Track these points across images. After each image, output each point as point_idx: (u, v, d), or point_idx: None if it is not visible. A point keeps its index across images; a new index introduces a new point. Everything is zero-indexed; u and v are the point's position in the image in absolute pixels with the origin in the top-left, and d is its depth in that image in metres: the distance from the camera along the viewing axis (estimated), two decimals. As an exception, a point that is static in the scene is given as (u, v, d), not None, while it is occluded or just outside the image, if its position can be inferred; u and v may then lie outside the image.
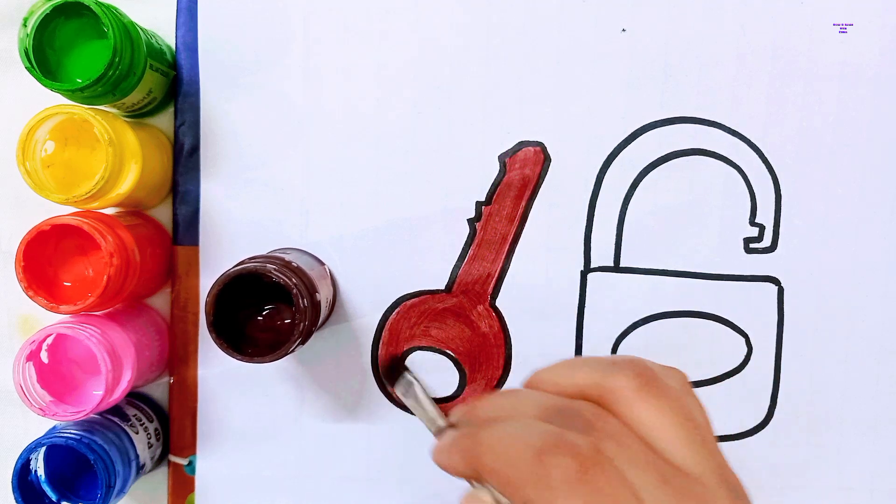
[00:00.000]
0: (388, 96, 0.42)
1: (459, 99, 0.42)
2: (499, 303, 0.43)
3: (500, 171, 0.43)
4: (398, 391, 0.40)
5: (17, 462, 0.38)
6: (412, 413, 0.38)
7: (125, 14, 0.38)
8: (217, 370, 0.44)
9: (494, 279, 0.43)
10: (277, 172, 0.43)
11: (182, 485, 0.44)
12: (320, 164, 0.43)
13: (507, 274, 0.43)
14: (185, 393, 0.44)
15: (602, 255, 0.43)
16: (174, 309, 0.44)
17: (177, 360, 0.44)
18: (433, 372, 0.44)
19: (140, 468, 0.41)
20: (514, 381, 0.43)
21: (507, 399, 0.27)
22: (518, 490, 0.23)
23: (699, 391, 0.43)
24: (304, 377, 0.44)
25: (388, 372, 0.42)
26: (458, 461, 0.26)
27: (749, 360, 0.43)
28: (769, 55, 0.42)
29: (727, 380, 0.43)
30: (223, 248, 0.43)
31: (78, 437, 0.38)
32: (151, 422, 0.43)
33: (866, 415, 0.44)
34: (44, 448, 0.39)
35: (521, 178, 0.43)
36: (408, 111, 0.42)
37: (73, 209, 0.40)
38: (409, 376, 0.41)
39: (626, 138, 0.42)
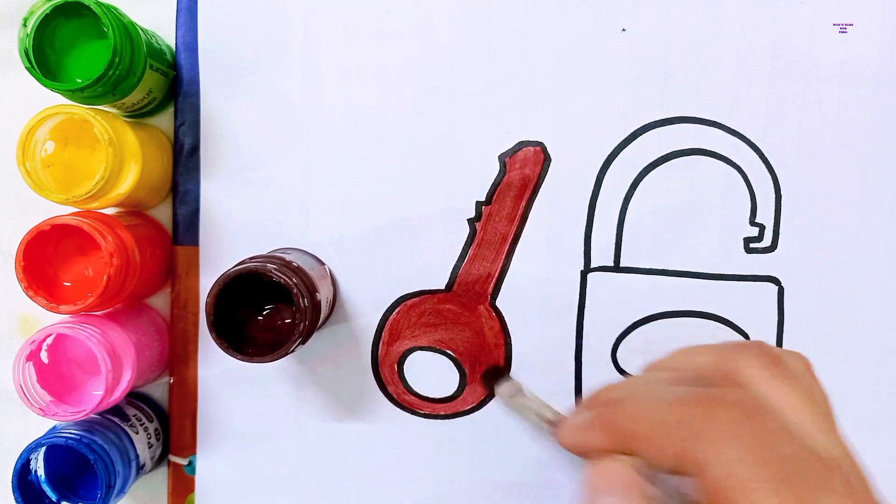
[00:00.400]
0: (388, 96, 0.42)
1: (459, 99, 0.42)
2: (499, 303, 0.43)
3: (500, 171, 0.43)
4: (501, 393, 0.41)
5: (17, 462, 0.38)
6: (515, 413, 0.39)
7: (125, 14, 0.38)
8: (217, 370, 0.44)
9: (494, 279, 0.43)
10: (277, 172, 0.43)
11: (182, 485, 0.44)
12: (320, 164, 0.43)
13: (507, 274, 0.43)
14: (185, 393, 0.44)
15: (602, 254, 0.43)
16: (174, 309, 0.44)
17: (177, 360, 0.44)
18: (433, 372, 0.44)
19: (140, 468, 0.41)
20: (514, 381, 0.43)
21: (632, 381, 0.27)
22: (669, 448, 0.22)
23: (699, 391, 0.43)
24: (304, 377, 0.44)
25: (489, 377, 0.43)
26: (599, 436, 0.25)
27: (749, 360, 0.43)
28: (769, 55, 0.42)
29: (727, 380, 0.43)
30: (223, 248, 0.43)
31: (78, 437, 0.38)
32: (151, 422, 0.43)
33: (866, 415, 0.44)
34: (44, 448, 0.39)
35: (521, 177, 0.43)
36: (408, 111, 0.42)
37: (73, 209, 0.40)
38: (512, 379, 0.41)
39: (626, 138, 0.42)
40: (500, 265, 0.43)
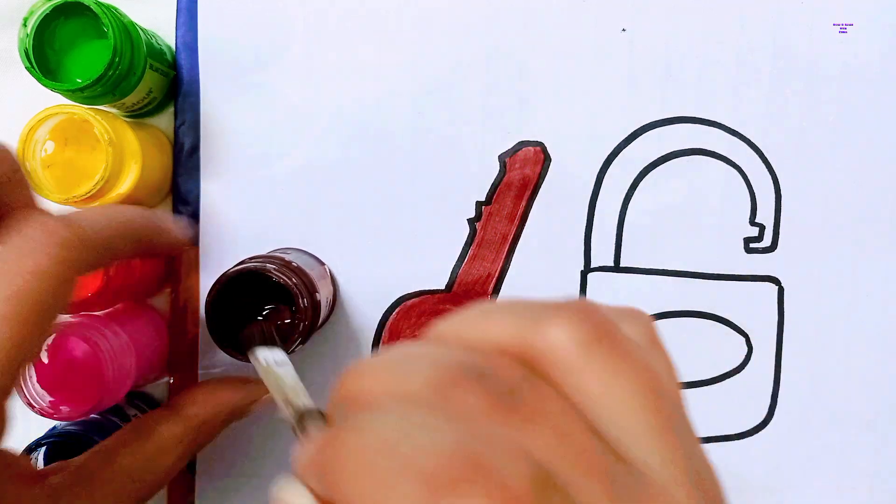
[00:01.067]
0: (388, 96, 0.42)
1: (459, 99, 0.42)
2: (499, 303, 0.43)
3: (500, 170, 0.43)
4: (260, 357, 0.32)
5: (16, 462, 0.38)
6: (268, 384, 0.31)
7: (125, 14, 0.38)
8: (217, 370, 0.44)
9: (494, 279, 0.43)
10: (277, 172, 0.43)
11: (182, 485, 0.44)
12: (320, 164, 0.43)
13: (507, 274, 0.43)
14: (185, 393, 0.44)
15: (602, 255, 0.43)
16: (174, 309, 0.44)
17: (177, 360, 0.44)
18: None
19: (140, 468, 0.41)
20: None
21: (393, 364, 0.17)
22: None
23: (699, 391, 0.43)
24: (303, 377, 0.44)
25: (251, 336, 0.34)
26: (312, 478, 0.17)
27: (749, 360, 0.43)
28: (769, 55, 0.42)
29: (727, 380, 0.43)
30: (223, 248, 0.43)
31: (78, 438, 0.38)
32: (151, 422, 0.43)
33: (866, 414, 0.44)
34: (44, 448, 0.39)
35: (521, 177, 0.43)
36: (408, 111, 0.42)
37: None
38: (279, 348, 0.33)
39: (626, 138, 0.42)
40: (500, 265, 0.43)
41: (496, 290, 0.43)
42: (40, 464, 0.39)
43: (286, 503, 0.17)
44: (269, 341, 0.33)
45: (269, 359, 0.31)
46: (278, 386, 0.28)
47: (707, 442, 0.44)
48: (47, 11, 0.36)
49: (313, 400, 0.43)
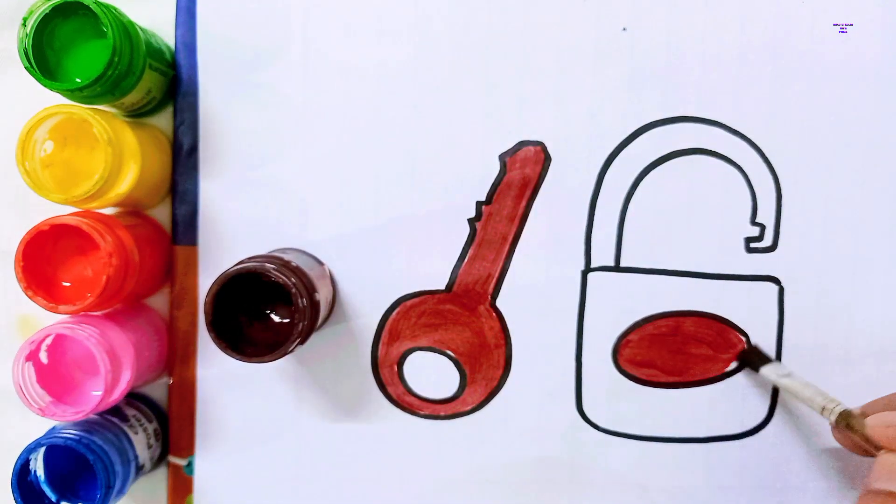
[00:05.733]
0: (388, 96, 0.42)
1: (459, 98, 0.42)
2: (499, 303, 0.43)
3: (500, 170, 0.43)
4: (768, 373, 0.42)
5: (16, 462, 0.38)
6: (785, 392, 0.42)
7: (124, 14, 0.38)
8: (216, 370, 0.43)
9: (495, 279, 0.43)
10: (277, 172, 0.43)
11: (182, 485, 0.44)
12: (320, 164, 0.43)
13: (508, 274, 0.43)
14: (185, 393, 0.44)
15: (602, 254, 0.43)
16: (173, 309, 0.44)
17: (176, 360, 0.44)
18: (433, 372, 0.43)
19: (139, 468, 0.41)
20: (514, 381, 0.43)
21: None
22: None
23: (700, 391, 0.44)
24: (303, 377, 0.44)
25: (748, 357, 0.43)
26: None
27: (749, 360, 0.43)
28: (770, 55, 0.42)
29: (727, 379, 0.43)
30: (222, 248, 0.43)
31: (77, 438, 0.38)
32: (151, 422, 0.43)
33: (866, 415, 0.44)
34: (43, 448, 0.39)
35: (521, 177, 0.42)
36: (408, 110, 0.42)
37: (72, 209, 0.40)
38: (779, 363, 0.42)
39: (627, 138, 0.42)
40: (501, 265, 0.43)
41: (496, 290, 0.43)
42: (40, 464, 0.39)
43: None
44: (764, 357, 0.42)
45: (779, 372, 0.41)
46: (799, 391, 0.39)
47: (707, 442, 0.44)
48: (46, 11, 0.36)
49: (328, 401, 0.43)
